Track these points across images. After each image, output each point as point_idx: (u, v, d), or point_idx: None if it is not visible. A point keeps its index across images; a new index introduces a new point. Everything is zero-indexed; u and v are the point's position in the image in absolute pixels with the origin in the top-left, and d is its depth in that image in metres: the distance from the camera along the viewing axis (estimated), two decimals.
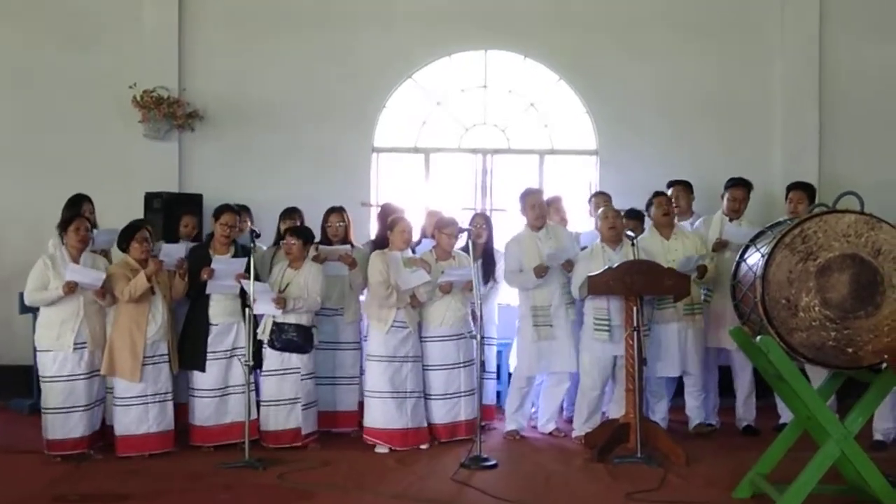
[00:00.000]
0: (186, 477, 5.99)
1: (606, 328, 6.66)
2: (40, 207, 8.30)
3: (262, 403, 6.64)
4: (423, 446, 6.67)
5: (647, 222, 7.33)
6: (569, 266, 6.90)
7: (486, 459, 6.20)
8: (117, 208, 7.62)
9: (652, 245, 6.95)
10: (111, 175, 8.47)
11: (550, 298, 6.91)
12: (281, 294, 6.54)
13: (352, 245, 7.16)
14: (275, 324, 6.58)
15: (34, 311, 8.01)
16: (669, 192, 7.60)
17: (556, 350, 6.92)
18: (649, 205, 7.15)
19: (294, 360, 6.60)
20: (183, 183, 8.65)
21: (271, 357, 6.61)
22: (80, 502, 5.51)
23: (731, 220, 7.25)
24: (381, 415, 6.61)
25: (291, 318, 6.58)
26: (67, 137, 8.67)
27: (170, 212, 7.76)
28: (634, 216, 7.26)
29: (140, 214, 7.95)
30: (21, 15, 8.74)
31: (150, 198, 8.13)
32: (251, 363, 6.35)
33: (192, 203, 8.10)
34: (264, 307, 6.51)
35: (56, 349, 6.28)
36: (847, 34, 8.78)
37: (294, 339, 6.57)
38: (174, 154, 8.67)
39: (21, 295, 7.92)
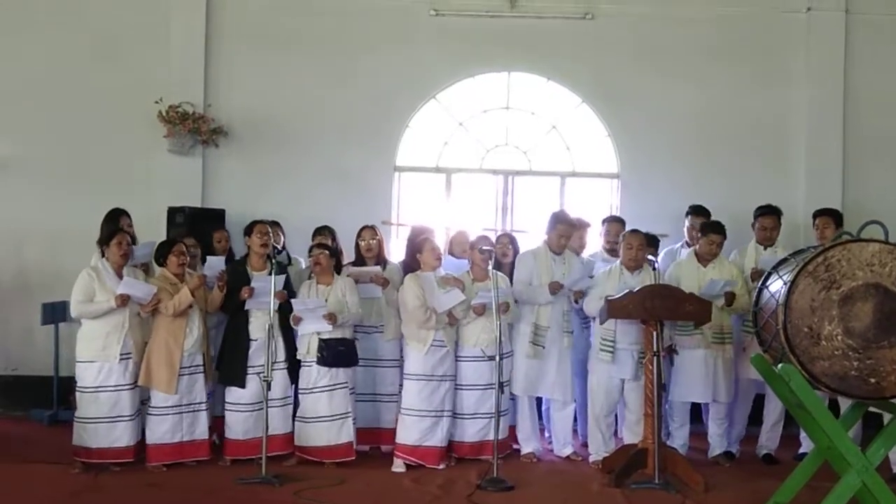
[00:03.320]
0: (204, 492, 6.01)
1: (610, 349, 6.66)
2: (64, 220, 8.42)
3: (308, 420, 6.63)
4: (441, 466, 6.65)
5: (663, 246, 7.30)
6: (579, 295, 6.92)
7: (503, 481, 6.17)
8: (140, 222, 7.64)
9: (687, 269, 6.96)
10: (135, 189, 8.52)
11: (551, 321, 6.90)
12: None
13: (385, 262, 7.17)
14: (321, 341, 6.58)
15: (56, 322, 8.14)
16: (688, 220, 7.58)
17: (546, 373, 6.92)
18: (707, 229, 7.02)
19: (342, 374, 6.62)
20: (206, 198, 8.70)
21: (319, 373, 6.61)
22: None
23: (765, 248, 7.21)
24: (417, 433, 6.59)
25: (336, 333, 6.61)
26: (92, 151, 8.75)
27: (192, 226, 7.81)
28: (649, 242, 7.21)
29: (163, 228, 8.04)
30: (49, 29, 8.84)
31: (173, 212, 8.20)
32: (270, 379, 6.36)
33: (214, 218, 8.17)
34: (313, 325, 6.54)
35: (101, 360, 6.34)
36: (871, 62, 8.77)
37: (342, 352, 6.60)
38: (198, 169, 8.73)
39: (43, 306, 8.06)
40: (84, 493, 5.90)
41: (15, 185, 8.72)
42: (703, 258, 7.02)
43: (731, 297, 6.79)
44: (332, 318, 6.51)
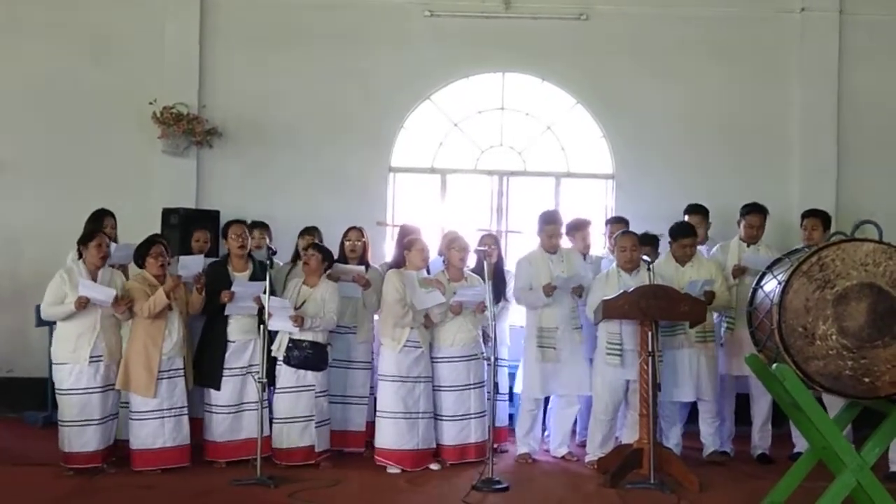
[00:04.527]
0: (198, 493, 5.99)
1: (618, 353, 6.65)
2: (58, 222, 8.34)
3: (275, 420, 6.63)
4: (434, 467, 6.64)
5: (663, 246, 7.33)
6: (579, 291, 6.91)
7: (498, 482, 6.17)
8: (135, 223, 7.65)
9: (666, 270, 6.95)
10: (129, 190, 8.51)
11: (557, 321, 6.90)
12: (297, 310, 6.54)
13: (367, 265, 7.16)
14: (291, 340, 6.56)
15: (50, 324, 8.06)
16: (686, 219, 7.59)
17: (560, 372, 6.91)
18: (675, 234, 7.07)
19: (309, 377, 6.59)
20: (200, 199, 8.68)
21: (286, 374, 6.60)
22: None
23: (748, 245, 7.24)
24: (392, 435, 6.56)
25: (307, 336, 6.57)
26: (87, 152, 8.72)
27: (187, 227, 7.80)
28: (648, 241, 7.23)
29: (157, 230, 8.00)
30: (43, 30, 8.81)
31: (167, 213, 8.19)
32: (265, 380, 6.35)
33: (209, 219, 8.15)
34: (280, 323, 6.50)
35: (72, 362, 6.29)
36: (865, 61, 8.79)
37: (310, 356, 6.56)
38: (192, 170, 8.71)
39: (37, 308, 7.99)
40: (77, 496, 5.87)
41: (9, 187, 8.69)
42: (681, 259, 7.03)
43: (710, 296, 6.80)
44: (297, 320, 6.45)
